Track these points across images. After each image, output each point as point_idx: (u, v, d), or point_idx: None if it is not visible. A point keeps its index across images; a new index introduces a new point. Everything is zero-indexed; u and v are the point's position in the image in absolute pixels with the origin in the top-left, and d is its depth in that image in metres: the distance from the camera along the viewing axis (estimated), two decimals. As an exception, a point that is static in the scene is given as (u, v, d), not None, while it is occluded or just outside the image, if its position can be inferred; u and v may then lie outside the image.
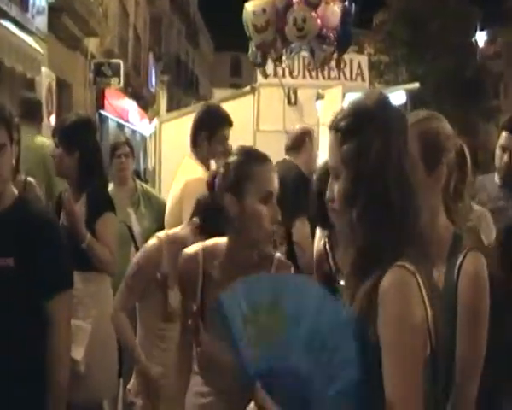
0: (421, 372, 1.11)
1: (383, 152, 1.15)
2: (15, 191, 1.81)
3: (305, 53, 4.49)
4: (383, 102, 1.19)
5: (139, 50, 17.31)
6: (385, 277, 1.13)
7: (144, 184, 3.89)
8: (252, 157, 1.70)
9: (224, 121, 2.94)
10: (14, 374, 1.67)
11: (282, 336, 1.15)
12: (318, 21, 3.81)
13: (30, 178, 3.09)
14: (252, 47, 3.99)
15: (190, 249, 1.74)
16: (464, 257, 1.46)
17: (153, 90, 19.25)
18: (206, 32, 35.98)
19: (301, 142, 3.47)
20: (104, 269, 2.60)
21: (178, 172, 2.96)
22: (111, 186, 3.35)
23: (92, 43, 11.58)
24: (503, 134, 2.74)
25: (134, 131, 17.94)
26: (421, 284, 1.14)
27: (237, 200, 1.65)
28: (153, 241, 2.29)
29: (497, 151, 2.77)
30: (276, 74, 5.46)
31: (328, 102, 5.56)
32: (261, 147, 5.43)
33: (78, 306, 2.47)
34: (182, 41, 28.66)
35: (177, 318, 2.23)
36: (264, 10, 3.90)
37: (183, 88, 26.96)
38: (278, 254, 1.79)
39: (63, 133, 2.69)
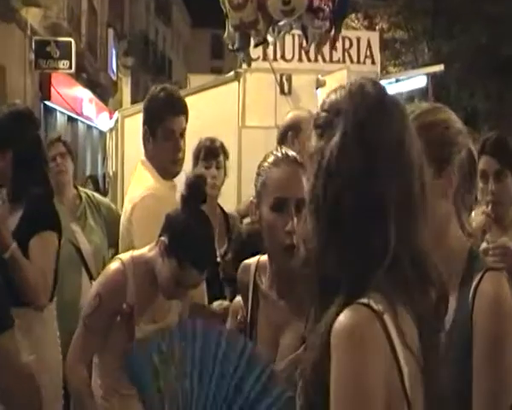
0: None
1: (340, 154, 1.11)
2: None
3: (297, 31, 4.49)
4: (361, 91, 1.14)
5: (95, 26, 17.37)
6: (339, 318, 1.06)
7: (89, 191, 3.87)
8: (272, 159, 1.83)
9: (169, 108, 2.72)
10: None
11: (186, 390, 1.50)
12: None
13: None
14: (228, 27, 3.98)
15: (249, 260, 1.96)
16: (482, 277, 1.41)
17: (113, 76, 19.31)
18: (181, 5, 36.15)
19: (282, 138, 3.26)
20: (31, 298, 2.53)
21: (130, 185, 2.90)
22: None
23: (33, 16, 11.43)
24: None
25: (90, 128, 17.97)
26: (393, 329, 1.06)
27: (257, 205, 1.84)
28: (115, 265, 2.27)
29: None
30: (265, 58, 5.49)
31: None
32: (247, 147, 5.43)
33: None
34: (150, 15, 28.78)
35: None
36: (242, -19, 3.82)
37: (152, 74, 27.02)
38: None
39: None
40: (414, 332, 1.11)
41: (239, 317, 1.96)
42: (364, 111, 1.12)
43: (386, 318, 1.06)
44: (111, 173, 7.99)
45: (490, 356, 1.37)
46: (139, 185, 2.77)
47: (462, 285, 1.44)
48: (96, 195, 3.91)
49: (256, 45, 4.07)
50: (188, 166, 3.07)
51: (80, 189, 3.71)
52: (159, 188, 2.71)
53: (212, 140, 3.48)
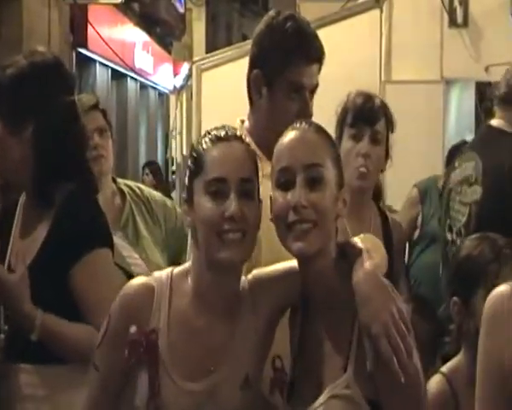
0: None
1: None
2: None
3: None
4: None
5: None
6: None
7: (132, 183, 3.91)
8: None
9: (301, 50, 2.89)
10: None
11: None
12: None
13: None
14: None
15: None
16: None
17: (180, 8, 19.63)
18: None
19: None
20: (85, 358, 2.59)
21: None
22: None
23: None
24: None
25: (144, 88, 18.32)
26: None
27: None
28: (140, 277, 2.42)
29: None
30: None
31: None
32: (395, 113, 5.32)
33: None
34: None
35: None
36: None
37: (239, 2, 27.32)
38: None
39: (1, 92, 2.76)
40: None
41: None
42: None
43: None
44: (178, 159, 8.05)
45: None
46: None
47: None
48: (144, 187, 3.97)
49: None
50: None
51: (119, 181, 3.76)
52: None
53: (367, 96, 3.58)
